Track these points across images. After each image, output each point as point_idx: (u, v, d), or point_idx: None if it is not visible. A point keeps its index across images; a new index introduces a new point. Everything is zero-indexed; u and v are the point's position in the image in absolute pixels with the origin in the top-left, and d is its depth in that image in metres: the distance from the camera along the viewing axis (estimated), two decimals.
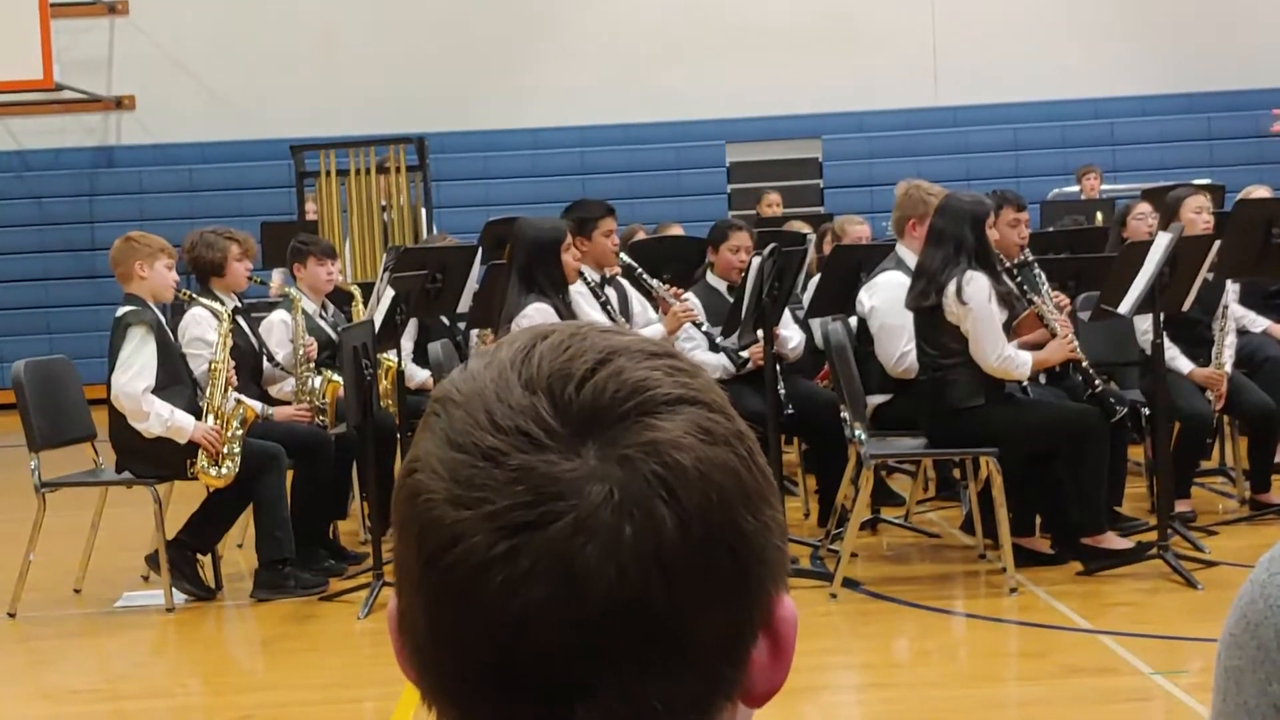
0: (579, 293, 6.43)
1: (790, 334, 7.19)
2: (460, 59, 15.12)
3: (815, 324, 6.88)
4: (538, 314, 5.99)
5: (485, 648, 0.75)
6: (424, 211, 10.85)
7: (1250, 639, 0.92)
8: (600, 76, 15.20)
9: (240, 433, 6.28)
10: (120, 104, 15.38)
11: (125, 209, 14.59)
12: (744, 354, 6.68)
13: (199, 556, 6.47)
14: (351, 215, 10.50)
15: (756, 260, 6.11)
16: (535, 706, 0.76)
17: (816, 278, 7.48)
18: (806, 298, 7.54)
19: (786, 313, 7.17)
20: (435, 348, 6.49)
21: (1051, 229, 9.18)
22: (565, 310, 6.12)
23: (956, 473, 7.41)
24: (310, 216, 10.71)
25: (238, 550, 7.23)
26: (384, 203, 10.58)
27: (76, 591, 6.60)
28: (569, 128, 15.25)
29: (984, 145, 15.36)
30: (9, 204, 15.23)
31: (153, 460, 6.26)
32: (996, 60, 15.24)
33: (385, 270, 7.00)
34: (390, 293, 6.35)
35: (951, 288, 5.84)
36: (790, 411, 6.63)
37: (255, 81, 15.02)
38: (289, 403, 6.91)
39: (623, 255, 6.85)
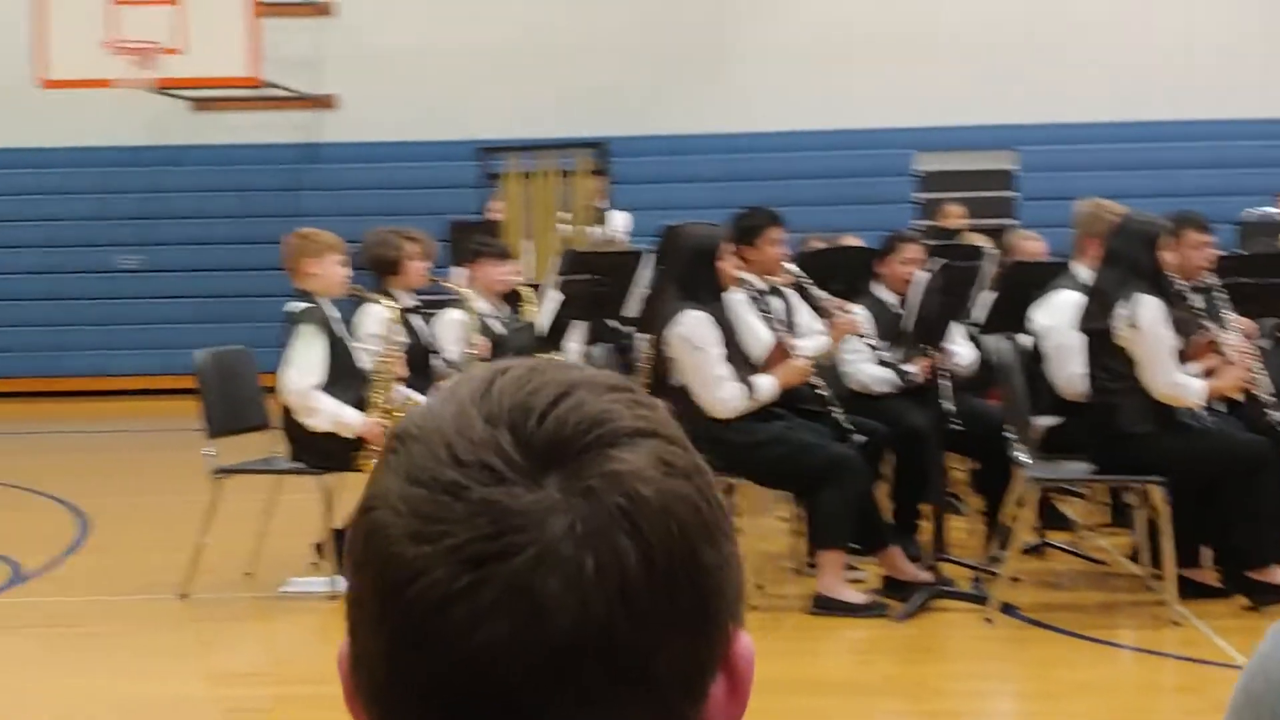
0: (738, 300, 6.42)
1: (961, 350, 7.09)
2: (650, 64, 15.19)
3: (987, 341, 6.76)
4: (694, 321, 6.00)
5: (448, 683, 0.75)
6: (623, 215, 10.91)
7: (1250, 713, 0.90)
8: (790, 82, 15.15)
9: None
10: (325, 102, 15.82)
11: (327, 204, 14.98)
12: (909, 368, 6.60)
13: None
14: (534, 216, 10.65)
15: (921, 274, 6.04)
16: None
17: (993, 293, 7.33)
18: (984, 313, 7.40)
19: (959, 328, 7.07)
20: (594, 351, 6.55)
21: (1244, 252, 8.89)
22: (722, 318, 6.11)
23: (1132, 499, 7.21)
24: (495, 216, 10.88)
25: None
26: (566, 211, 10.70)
27: (247, 575, 6.82)
28: (759, 133, 15.23)
29: (1182, 162, 14.93)
30: (217, 195, 15.76)
31: (322, 452, 6.43)
32: (1197, 75, 14.81)
33: (555, 273, 7.08)
34: (557, 295, 6.42)
35: (1123, 310, 5.70)
36: (958, 428, 6.54)
37: (452, 83, 15.29)
38: None
39: (788, 264, 6.82)
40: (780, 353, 6.26)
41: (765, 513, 7.78)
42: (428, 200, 14.68)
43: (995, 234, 9.73)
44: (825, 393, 6.22)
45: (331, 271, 6.49)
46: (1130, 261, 5.76)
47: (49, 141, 15.50)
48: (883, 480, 7.29)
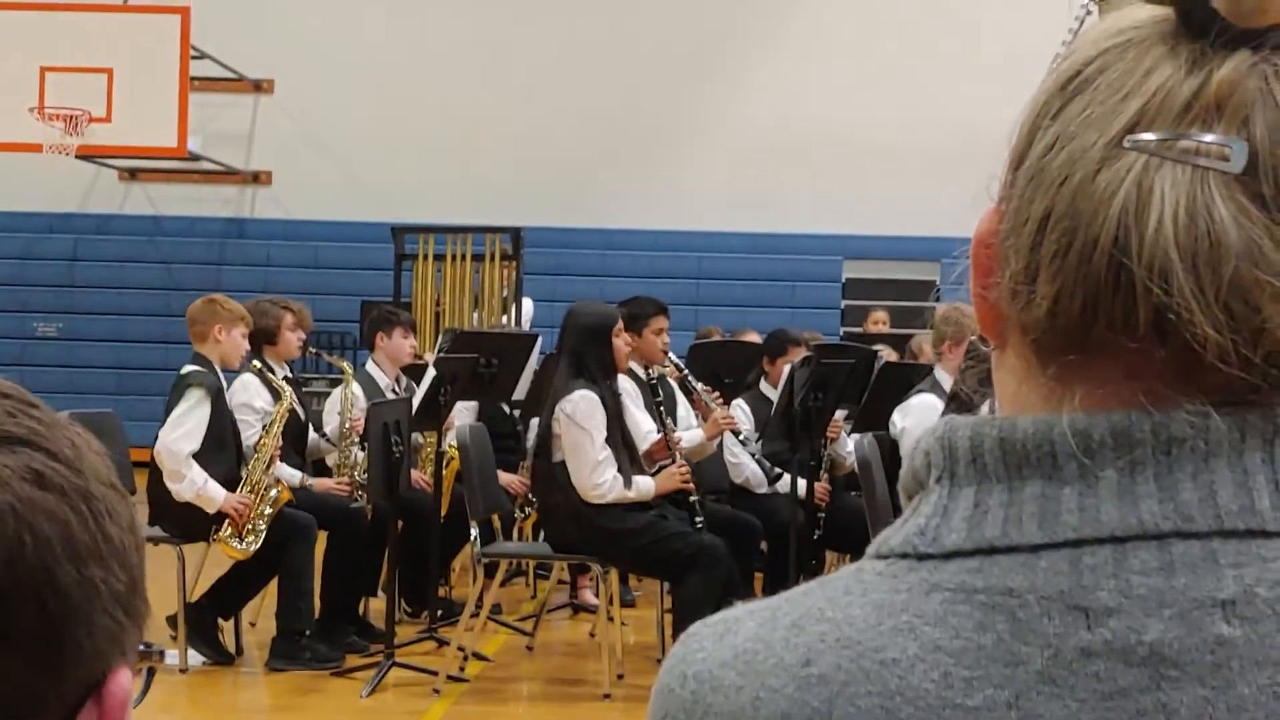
0: (625, 387, 6.39)
1: (851, 447, 7.09)
2: (575, 156, 15.28)
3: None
4: (583, 401, 5.97)
5: None
6: (528, 302, 10.92)
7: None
8: (720, 184, 15.26)
9: (269, 513, 6.31)
10: (257, 178, 15.81)
11: (251, 280, 14.89)
12: (776, 469, 6.57)
13: (221, 621, 6.50)
14: (445, 298, 10.65)
15: (788, 368, 6.03)
16: None
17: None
18: None
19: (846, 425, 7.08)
20: (462, 429, 6.48)
21: None
22: (611, 399, 6.08)
23: None
24: (407, 298, 10.87)
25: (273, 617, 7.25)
26: (495, 290, 10.67)
27: None
28: (689, 232, 15.31)
29: None
30: (142, 267, 15.67)
31: (181, 520, 6.32)
32: None
33: (437, 351, 7.04)
34: (432, 373, 6.37)
35: (985, 408, 5.69)
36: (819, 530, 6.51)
37: (384, 166, 15.34)
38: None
39: (671, 355, 6.81)
40: (663, 446, 6.25)
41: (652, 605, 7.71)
42: (347, 281, 14.68)
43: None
44: (691, 487, 6.18)
45: (237, 343, 6.48)
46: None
47: None
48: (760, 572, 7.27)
